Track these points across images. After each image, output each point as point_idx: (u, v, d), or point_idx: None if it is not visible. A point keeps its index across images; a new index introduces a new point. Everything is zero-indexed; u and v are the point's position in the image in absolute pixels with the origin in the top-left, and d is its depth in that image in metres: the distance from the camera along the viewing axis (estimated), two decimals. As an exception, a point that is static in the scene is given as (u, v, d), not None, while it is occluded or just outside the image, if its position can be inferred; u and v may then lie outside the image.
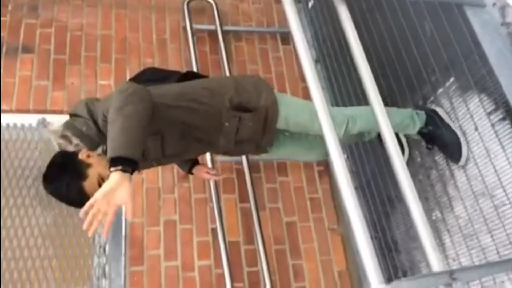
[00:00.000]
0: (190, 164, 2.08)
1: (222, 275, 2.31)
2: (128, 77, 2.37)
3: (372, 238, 2.52)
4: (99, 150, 1.56)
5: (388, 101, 2.31)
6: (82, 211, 1.27)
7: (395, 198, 2.36)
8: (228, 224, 2.50)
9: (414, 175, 2.21)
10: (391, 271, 2.36)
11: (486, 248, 1.85)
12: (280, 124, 1.82)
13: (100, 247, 2.33)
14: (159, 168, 2.59)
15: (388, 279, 1.10)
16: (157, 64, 2.84)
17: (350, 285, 2.55)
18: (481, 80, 1.82)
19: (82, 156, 1.54)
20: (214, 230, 2.44)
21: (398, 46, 2.25)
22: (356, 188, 2.45)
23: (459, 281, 1.14)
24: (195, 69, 2.80)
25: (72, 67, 2.75)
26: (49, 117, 2.53)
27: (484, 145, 1.85)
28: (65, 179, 1.51)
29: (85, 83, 2.73)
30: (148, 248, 2.37)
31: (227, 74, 2.83)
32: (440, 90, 2.07)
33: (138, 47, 2.92)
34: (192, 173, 2.11)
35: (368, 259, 1.12)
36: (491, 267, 1.29)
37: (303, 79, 2.51)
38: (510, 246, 1.72)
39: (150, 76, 1.89)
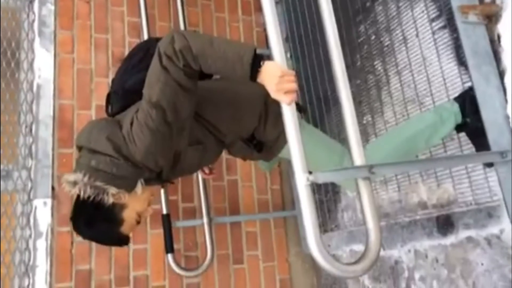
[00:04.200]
0: None
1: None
2: None
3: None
4: (139, 186, 1.38)
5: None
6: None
7: (331, 99, 2.41)
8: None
9: (352, 77, 2.24)
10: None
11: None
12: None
13: (26, 126, 2.22)
14: (92, 47, 2.43)
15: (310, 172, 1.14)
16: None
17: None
18: (430, -15, 1.80)
19: (110, 200, 1.33)
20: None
21: None
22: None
23: (377, 175, 1.21)
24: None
25: None
26: None
27: (421, 53, 1.88)
28: (100, 229, 1.38)
29: None
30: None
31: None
32: (389, -8, 2.03)
33: None
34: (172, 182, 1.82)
35: (295, 150, 1.15)
36: (407, 165, 1.38)
37: None
38: (428, 150, 1.83)
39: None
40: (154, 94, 1.29)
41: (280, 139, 1.55)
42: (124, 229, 1.40)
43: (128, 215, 1.39)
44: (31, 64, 2.30)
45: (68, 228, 2.14)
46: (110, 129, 1.35)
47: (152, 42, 1.61)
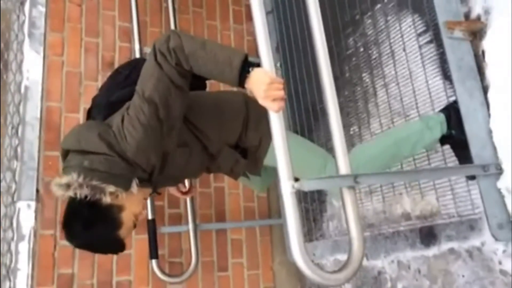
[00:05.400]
0: None
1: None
2: None
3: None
4: (134, 186, 1.33)
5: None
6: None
7: (319, 110, 2.43)
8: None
9: (340, 89, 2.27)
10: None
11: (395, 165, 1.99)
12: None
13: (12, 128, 2.20)
14: (82, 51, 2.43)
15: (296, 179, 1.16)
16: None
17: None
18: (418, 0, 1.84)
19: (108, 199, 1.28)
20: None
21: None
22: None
23: (362, 184, 1.23)
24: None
25: None
26: None
27: (408, 66, 1.92)
28: (98, 232, 1.31)
29: None
30: (66, 133, 2.27)
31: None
32: (378, 5, 2.06)
33: None
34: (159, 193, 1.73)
35: (281, 158, 1.17)
36: (391, 176, 1.40)
37: None
38: (413, 162, 1.86)
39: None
40: (147, 89, 1.30)
41: (262, 143, 1.57)
42: (122, 232, 1.35)
43: (126, 217, 1.34)
44: (19, 66, 2.28)
45: (51, 231, 2.12)
46: (100, 127, 1.34)
47: (140, 61, 1.63)
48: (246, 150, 1.62)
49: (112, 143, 1.30)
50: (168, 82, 1.31)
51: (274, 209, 2.72)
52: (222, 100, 1.61)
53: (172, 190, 1.88)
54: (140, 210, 1.40)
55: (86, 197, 1.26)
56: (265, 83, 1.19)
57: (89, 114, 1.58)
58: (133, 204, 1.36)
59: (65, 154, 1.38)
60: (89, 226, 1.30)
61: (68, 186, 1.27)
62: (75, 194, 1.26)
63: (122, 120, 1.32)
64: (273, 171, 1.20)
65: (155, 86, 1.30)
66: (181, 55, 1.28)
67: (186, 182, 2.12)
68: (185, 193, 1.91)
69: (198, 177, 2.01)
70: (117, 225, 1.33)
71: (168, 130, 1.36)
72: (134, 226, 1.40)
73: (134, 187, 1.33)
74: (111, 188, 1.28)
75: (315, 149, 1.67)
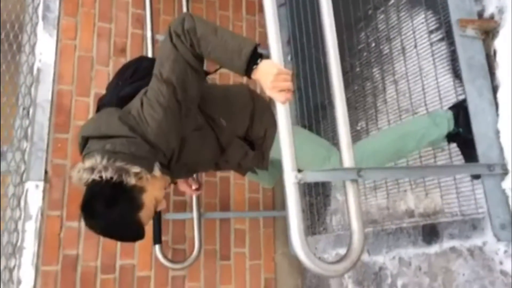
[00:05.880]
0: None
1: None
2: None
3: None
4: (156, 169, 1.33)
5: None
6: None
7: (327, 104, 2.43)
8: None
9: (349, 83, 2.27)
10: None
11: (400, 163, 1.99)
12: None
13: (23, 109, 2.23)
14: (95, 36, 2.45)
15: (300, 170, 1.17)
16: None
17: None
18: (432, -3, 1.83)
19: (132, 180, 1.27)
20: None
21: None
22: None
23: (365, 178, 1.23)
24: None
25: None
26: None
27: (419, 63, 1.91)
28: (117, 214, 1.27)
29: None
30: (76, 118, 2.31)
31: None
32: (392, 1, 2.05)
33: None
34: (175, 183, 1.79)
35: (286, 149, 1.17)
36: (396, 171, 1.40)
37: None
38: (419, 160, 1.86)
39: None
40: (164, 71, 1.32)
41: (267, 135, 1.58)
42: (143, 215, 1.31)
43: (147, 199, 1.31)
44: (32, 48, 2.31)
45: (58, 212, 2.16)
46: (119, 112, 1.35)
47: (143, 59, 1.66)
48: (253, 143, 1.63)
49: (134, 126, 1.30)
50: (185, 63, 1.32)
51: (278, 201, 2.73)
52: (231, 93, 1.63)
53: (182, 186, 1.86)
54: (161, 196, 1.38)
55: (111, 178, 1.24)
56: (272, 74, 1.20)
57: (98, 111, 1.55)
58: (155, 189, 1.34)
59: (85, 142, 1.37)
60: (112, 204, 1.26)
61: (92, 169, 1.26)
62: (100, 176, 1.25)
63: (142, 104, 1.33)
64: (280, 165, 1.21)
65: (172, 67, 1.32)
66: (194, 37, 1.30)
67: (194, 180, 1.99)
68: (195, 190, 1.89)
69: (208, 171, 2.02)
70: (139, 205, 1.30)
71: (186, 111, 1.37)
72: (155, 212, 1.38)
73: (157, 171, 1.33)
74: (135, 169, 1.26)
75: (320, 142, 1.68)
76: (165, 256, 2.21)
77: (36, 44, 2.30)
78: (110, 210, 1.26)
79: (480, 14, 1.65)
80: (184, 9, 2.56)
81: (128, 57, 2.51)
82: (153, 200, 1.34)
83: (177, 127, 1.37)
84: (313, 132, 2.37)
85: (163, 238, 2.24)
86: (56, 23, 2.36)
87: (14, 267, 2.01)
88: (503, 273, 1.53)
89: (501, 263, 1.54)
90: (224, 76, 2.66)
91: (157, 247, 2.19)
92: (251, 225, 2.62)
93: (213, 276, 2.45)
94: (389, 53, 2.08)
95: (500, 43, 1.60)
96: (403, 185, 1.99)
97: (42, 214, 2.11)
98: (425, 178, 1.86)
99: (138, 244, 2.29)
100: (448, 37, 1.76)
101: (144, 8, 2.47)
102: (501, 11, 1.60)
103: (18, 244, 2.04)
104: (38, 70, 2.27)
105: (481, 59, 1.60)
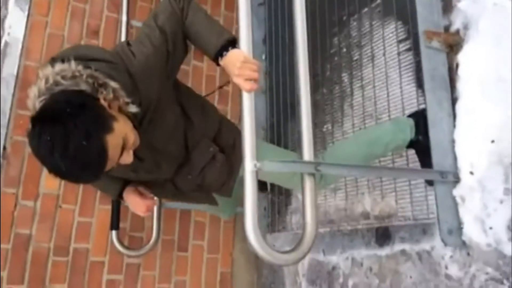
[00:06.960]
0: (121, 184, 1.53)
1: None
2: None
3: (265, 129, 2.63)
4: (133, 108, 1.18)
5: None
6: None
7: (296, 104, 2.46)
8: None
9: (318, 86, 2.31)
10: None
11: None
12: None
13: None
14: (68, 14, 2.41)
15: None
16: None
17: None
18: (403, 8, 1.88)
19: (105, 103, 1.11)
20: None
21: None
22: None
23: (322, 173, 1.26)
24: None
25: None
26: None
27: (386, 71, 1.97)
28: (82, 123, 1.03)
29: None
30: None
31: None
32: (366, 9, 2.11)
33: None
34: (121, 198, 1.55)
35: (247, 138, 1.19)
36: (352, 169, 1.44)
37: None
38: (378, 164, 1.91)
39: None
40: (159, 18, 1.34)
41: (237, 144, 1.47)
42: (109, 142, 1.08)
43: (118, 130, 1.11)
44: (2, 21, 2.25)
45: (13, 190, 2.11)
46: (101, 47, 1.33)
47: None
48: (223, 151, 1.52)
49: (117, 54, 1.23)
50: (179, 18, 1.35)
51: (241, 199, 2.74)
52: (204, 99, 1.62)
53: (134, 204, 1.54)
54: (131, 140, 1.18)
55: (83, 90, 1.08)
56: (239, 61, 1.23)
57: None
58: (127, 126, 1.17)
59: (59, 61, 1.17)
60: (78, 113, 1.04)
61: (63, 75, 1.08)
62: (71, 85, 1.07)
63: (128, 44, 1.30)
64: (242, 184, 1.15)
65: (167, 18, 1.34)
66: (187, 4, 1.36)
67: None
68: (149, 202, 1.54)
69: (167, 176, 1.54)
70: (109, 127, 1.09)
71: (170, 68, 1.35)
72: (121, 153, 1.15)
73: (133, 107, 1.18)
74: (115, 84, 1.12)
75: (286, 152, 1.75)
76: (121, 243, 2.19)
77: (6, 17, 2.25)
78: (73, 118, 1.03)
79: (447, 28, 1.72)
80: (162, -2, 2.55)
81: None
82: (123, 133, 1.13)
83: (161, 75, 1.29)
84: (281, 128, 2.42)
85: (121, 225, 2.21)
86: (28, -3, 2.31)
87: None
88: (447, 277, 1.59)
89: (446, 267, 1.60)
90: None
91: (113, 232, 2.17)
92: (211, 218, 2.62)
93: (169, 267, 2.44)
94: (359, 59, 2.13)
95: (462, 58, 1.66)
96: (362, 188, 2.04)
97: (-4, 191, 2.06)
98: (383, 182, 1.91)
99: (94, 228, 2.27)
100: (415, 48, 1.83)
101: (121, -8, 2.45)
102: (466, 27, 1.67)
103: (-31, 218, 1.98)
104: (6, 43, 2.21)
105: (443, 71, 1.67)
